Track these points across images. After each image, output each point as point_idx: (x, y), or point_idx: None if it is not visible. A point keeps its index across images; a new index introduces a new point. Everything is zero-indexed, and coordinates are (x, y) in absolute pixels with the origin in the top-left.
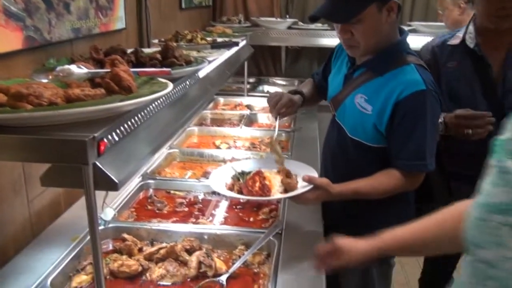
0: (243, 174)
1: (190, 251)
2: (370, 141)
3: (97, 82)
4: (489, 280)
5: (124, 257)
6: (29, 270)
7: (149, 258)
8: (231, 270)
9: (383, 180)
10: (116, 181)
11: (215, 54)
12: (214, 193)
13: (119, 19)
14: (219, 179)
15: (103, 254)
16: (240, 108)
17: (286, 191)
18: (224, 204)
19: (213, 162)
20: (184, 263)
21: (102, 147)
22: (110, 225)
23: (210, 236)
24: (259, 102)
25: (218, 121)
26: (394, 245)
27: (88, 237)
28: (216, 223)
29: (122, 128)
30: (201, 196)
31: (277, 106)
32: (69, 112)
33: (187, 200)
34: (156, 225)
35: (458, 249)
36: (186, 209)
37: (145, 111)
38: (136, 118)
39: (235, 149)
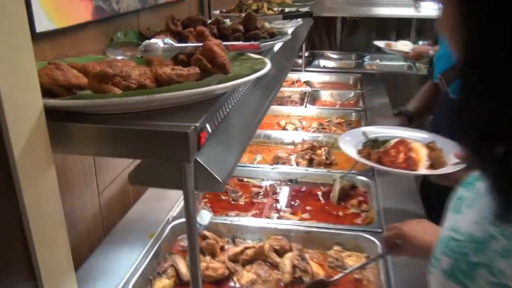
0: (377, 141)
1: (279, 252)
2: None
3: (181, 59)
4: None
5: (208, 258)
6: (107, 274)
7: (235, 259)
8: (336, 277)
9: None
10: (220, 180)
11: (290, 25)
12: (291, 181)
13: None
14: (349, 145)
15: (181, 253)
16: (299, 85)
17: (433, 167)
18: (304, 195)
19: (282, 146)
20: (274, 266)
21: (202, 140)
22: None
23: (299, 234)
24: (317, 78)
25: (278, 99)
26: None
27: (166, 233)
28: (301, 218)
29: (218, 115)
30: (277, 185)
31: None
32: (166, 97)
33: (263, 189)
34: (237, 219)
35: None
36: (265, 200)
37: (236, 93)
38: (228, 102)
39: (302, 130)
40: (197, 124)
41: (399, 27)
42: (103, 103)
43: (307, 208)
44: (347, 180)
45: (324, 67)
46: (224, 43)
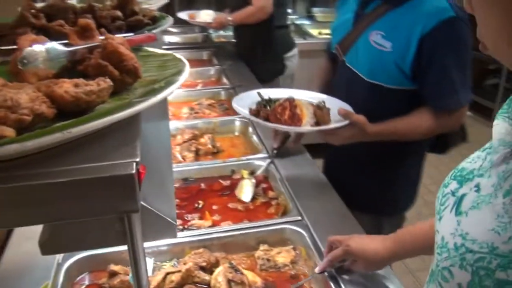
0: (270, 101)
1: (206, 268)
2: (391, 83)
3: (80, 69)
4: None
5: None
6: None
7: None
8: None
9: (421, 121)
10: (173, 222)
11: (154, 3)
12: (186, 180)
13: None
14: (243, 104)
15: None
16: None
17: (318, 124)
18: (206, 193)
19: None
20: (205, 285)
21: (142, 177)
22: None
23: (220, 241)
24: None
25: None
26: (408, 250)
27: (61, 280)
28: (214, 222)
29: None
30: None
31: (279, 136)
32: (88, 128)
33: None
34: None
35: None
36: None
37: None
38: None
39: (174, 118)
40: (137, 159)
41: None
42: None
43: (214, 207)
44: (244, 168)
45: (169, 43)
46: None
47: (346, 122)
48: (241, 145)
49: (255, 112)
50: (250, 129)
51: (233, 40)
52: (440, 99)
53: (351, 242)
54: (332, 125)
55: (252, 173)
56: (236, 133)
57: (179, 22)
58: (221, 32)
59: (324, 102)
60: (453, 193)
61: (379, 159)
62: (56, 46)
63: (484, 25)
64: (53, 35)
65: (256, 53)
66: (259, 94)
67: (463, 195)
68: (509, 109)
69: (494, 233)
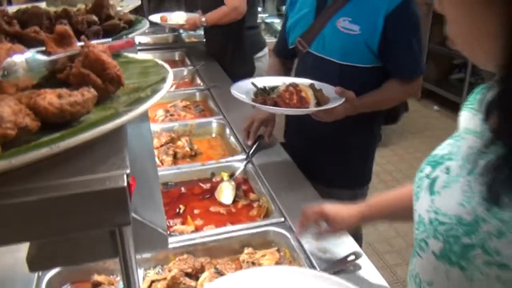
0: (265, 90)
1: (192, 275)
2: (363, 62)
3: (61, 78)
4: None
5: None
6: None
7: None
8: None
9: (392, 91)
10: (164, 232)
11: (126, 5)
12: (166, 185)
13: None
14: (242, 95)
15: None
16: None
17: (319, 104)
18: (186, 197)
19: None
20: None
21: (132, 188)
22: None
23: (205, 246)
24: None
25: None
26: (378, 212)
27: None
28: (196, 226)
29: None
30: None
31: (251, 134)
32: (77, 141)
33: None
34: None
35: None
36: None
37: None
38: None
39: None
40: (127, 171)
41: None
42: None
43: (195, 212)
44: (224, 171)
45: (140, 44)
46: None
47: (342, 99)
48: (219, 146)
49: (262, 100)
50: (227, 130)
51: (204, 40)
52: (406, 70)
53: (324, 206)
54: (335, 103)
55: (231, 175)
56: (213, 135)
57: (151, 24)
58: (191, 32)
59: (313, 84)
60: (427, 176)
61: (335, 134)
62: (36, 55)
63: (454, 24)
64: (28, 42)
65: (227, 53)
66: (253, 84)
67: (435, 177)
68: (473, 101)
69: (460, 206)
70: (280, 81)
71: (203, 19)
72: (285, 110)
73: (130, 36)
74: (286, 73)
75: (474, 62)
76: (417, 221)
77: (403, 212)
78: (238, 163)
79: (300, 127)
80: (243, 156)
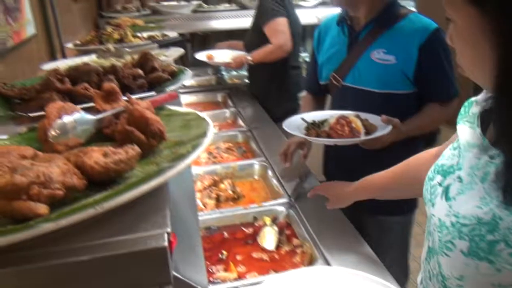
0: (315, 123)
1: None
2: (401, 88)
3: (107, 133)
4: (428, 235)
5: None
6: None
7: None
8: None
9: (433, 114)
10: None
11: (171, 55)
12: (208, 229)
13: (28, 23)
14: (294, 130)
15: None
16: None
17: (368, 133)
18: (229, 242)
19: None
20: None
21: (173, 246)
22: None
23: None
24: (182, 99)
25: None
26: (374, 186)
27: None
28: (239, 274)
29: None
30: None
31: (288, 157)
32: (121, 201)
33: None
34: None
35: (417, 195)
36: None
37: None
38: None
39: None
40: (168, 230)
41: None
42: (32, 235)
43: (238, 258)
44: (266, 215)
45: (184, 86)
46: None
47: (390, 127)
48: (261, 189)
49: (316, 134)
50: (270, 172)
51: (246, 81)
52: (443, 93)
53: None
54: (385, 131)
55: (274, 219)
56: (256, 177)
57: (194, 64)
58: (234, 73)
59: (359, 115)
60: (439, 184)
61: (379, 163)
62: (84, 116)
63: (463, 55)
64: (78, 98)
65: (270, 93)
66: (303, 119)
67: (448, 185)
68: (465, 114)
69: (477, 208)
70: (325, 115)
71: (249, 57)
72: (339, 141)
73: (173, 88)
74: (320, 107)
75: (477, 82)
76: (438, 225)
77: (392, 190)
78: (280, 206)
79: (340, 162)
80: (286, 200)
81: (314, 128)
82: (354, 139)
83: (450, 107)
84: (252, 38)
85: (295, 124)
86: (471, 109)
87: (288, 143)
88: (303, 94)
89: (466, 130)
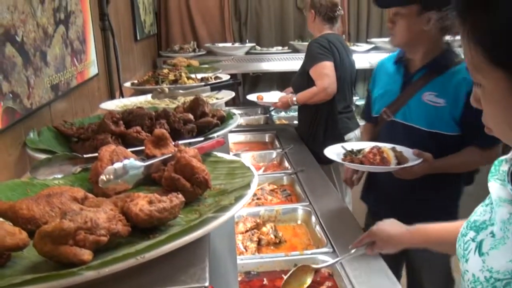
0: (352, 151)
1: None
2: (447, 129)
3: (154, 177)
4: None
5: None
6: None
7: None
8: None
9: (471, 157)
10: None
11: (222, 97)
12: (248, 274)
13: (92, 64)
14: (333, 156)
15: None
16: None
17: (399, 163)
18: None
19: None
20: None
21: None
22: None
23: None
24: (230, 138)
25: None
26: (425, 239)
27: None
28: None
29: None
30: None
31: (355, 182)
32: (161, 252)
33: None
34: None
35: None
36: None
37: None
38: None
39: None
40: (206, 284)
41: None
42: (74, 282)
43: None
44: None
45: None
46: (181, 142)
47: (420, 159)
48: (304, 235)
49: (350, 160)
50: (313, 218)
51: (295, 122)
52: (483, 139)
53: (373, 227)
54: (413, 163)
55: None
56: (299, 222)
57: (245, 103)
58: (283, 114)
59: (395, 147)
60: (472, 240)
61: (416, 193)
62: (134, 162)
63: (490, 117)
64: (130, 141)
65: (317, 135)
66: (343, 147)
67: (481, 241)
68: (496, 172)
69: (511, 262)
70: (366, 145)
71: (294, 98)
72: (368, 168)
73: (221, 133)
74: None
75: (507, 143)
76: (472, 280)
77: (446, 244)
78: (323, 256)
79: (381, 190)
80: (329, 249)
81: (350, 154)
82: (382, 166)
83: (491, 152)
84: (299, 80)
85: (335, 151)
86: (501, 167)
87: (346, 168)
88: (363, 123)
89: (497, 187)
